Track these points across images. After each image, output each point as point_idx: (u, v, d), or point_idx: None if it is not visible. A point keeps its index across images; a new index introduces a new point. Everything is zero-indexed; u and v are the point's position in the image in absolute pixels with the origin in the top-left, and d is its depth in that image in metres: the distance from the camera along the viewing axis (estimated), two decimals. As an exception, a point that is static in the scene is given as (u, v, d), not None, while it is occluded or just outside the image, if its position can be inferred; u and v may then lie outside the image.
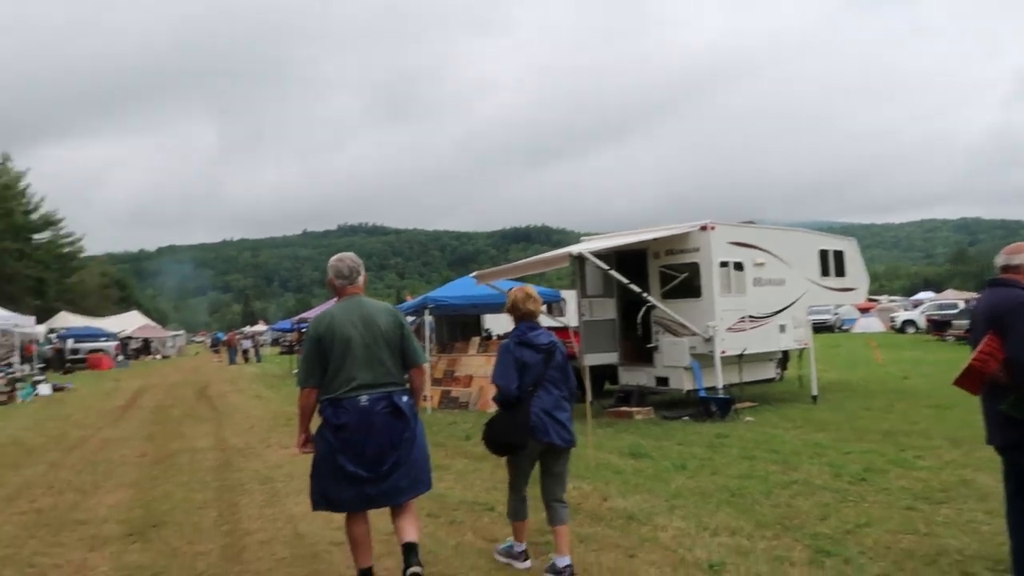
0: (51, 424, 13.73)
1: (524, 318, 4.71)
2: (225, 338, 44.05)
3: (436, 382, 14.33)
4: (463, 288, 16.09)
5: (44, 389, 21.62)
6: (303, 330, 31.47)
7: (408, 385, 4.28)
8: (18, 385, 19.89)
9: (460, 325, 17.63)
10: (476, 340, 14.69)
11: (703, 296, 11.79)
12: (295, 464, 8.48)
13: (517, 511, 4.64)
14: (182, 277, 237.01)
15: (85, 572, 4.86)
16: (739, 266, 12.27)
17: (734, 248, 12.25)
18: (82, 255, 69.95)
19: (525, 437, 4.39)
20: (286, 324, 59.22)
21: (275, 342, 61.31)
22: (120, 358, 41.21)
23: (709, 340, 11.51)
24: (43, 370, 27.58)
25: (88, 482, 7.82)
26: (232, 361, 39.44)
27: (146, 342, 52.45)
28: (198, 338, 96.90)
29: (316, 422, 4.26)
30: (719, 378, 11.42)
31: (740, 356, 11.98)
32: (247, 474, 8.02)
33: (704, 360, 11.58)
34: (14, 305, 34.74)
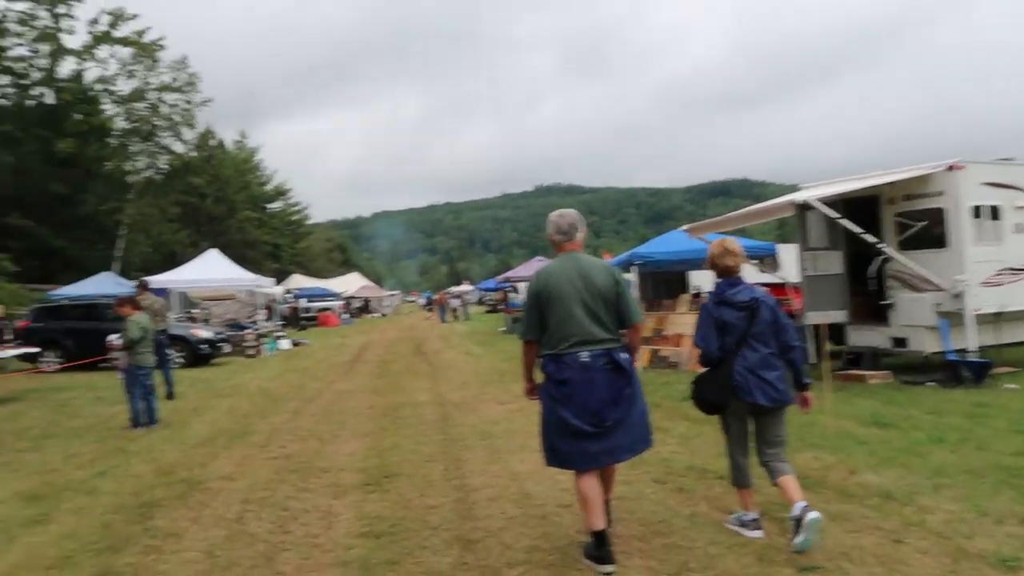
0: (291, 376, 15.08)
1: (723, 274, 4.60)
2: (436, 297, 46.37)
3: (645, 341, 13.97)
4: (669, 244, 15.51)
5: (284, 344, 23.94)
6: (507, 289, 32.37)
7: (625, 342, 4.26)
8: (263, 340, 22.15)
9: (665, 282, 17.06)
10: (686, 298, 14.11)
11: (950, 246, 10.38)
12: (511, 420, 8.58)
13: (736, 477, 4.55)
14: (394, 240, 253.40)
15: (331, 519, 5.12)
16: (995, 211, 10.67)
17: (989, 190, 10.65)
18: (308, 222, 76.79)
19: (727, 396, 4.37)
20: (491, 283, 61.57)
21: (480, 301, 63.88)
22: (345, 316, 44.87)
23: (958, 296, 10.14)
24: (282, 327, 30.62)
25: (326, 431, 8.39)
26: (443, 319, 41.54)
27: (366, 301, 56.67)
28: (410, 298, 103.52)
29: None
30: (972, 339, 10.05)
31: (998, 314, 10.46)
32: (466, 429, 8.21)
33: (952, 319, 10.23)
34: (255, 268, 38.85)
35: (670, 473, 5.89)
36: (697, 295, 14.23)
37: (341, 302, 46.72)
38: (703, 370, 4.57)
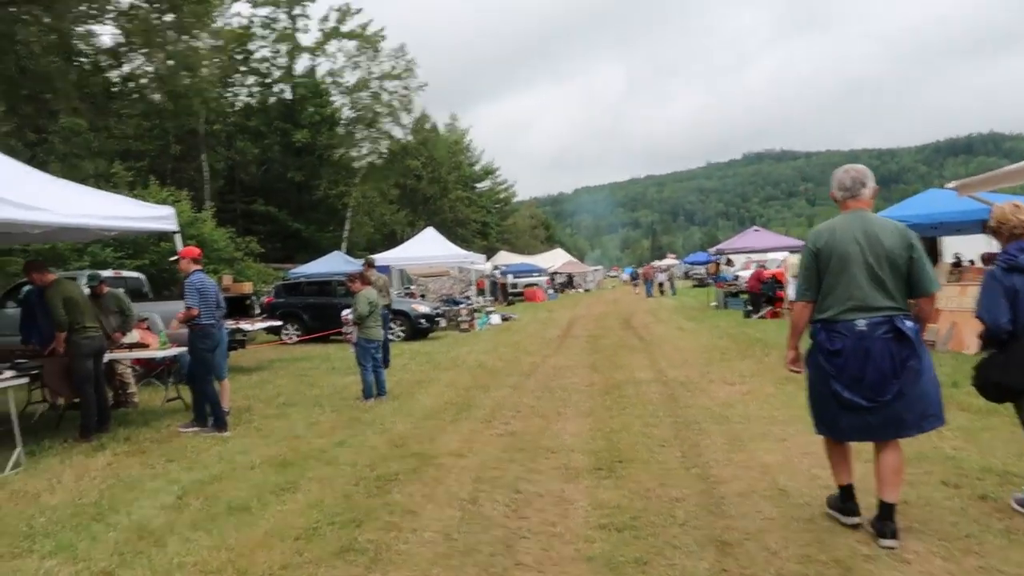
0: (505, 350, 15.20)
1: (1015, 237, 4.14)
2: (641, 271, 45.48)
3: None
4: (919, 206, 13.65)
5: (495, 319, 24.46)
6: (718, 261, 30.82)
7: (915, 312, 3.95)
8: (475, 315, 22.75)
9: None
10: (945, 266, 12.34)
11: None
12: (747, 404, 7.82)
13: None
14: (596, 215, 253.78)
15: (565, 505, 4.79)
16: None
17: None
18: (514, 200, 78.65)
19: None
20: (699, 256, 59.44)
21: (686, 275, 61.97)
22: (550, 291, 45.38)
23: None
24: (492, 302, 31.44)
25: (549, 408, 8.15)
26: (649, 293, 40.66)
27: (569, 276, 57.00)
28: (612, 272, 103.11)
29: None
30: None
31: None
32: (697, 411, 7.59)
33: None
34: (466, 245, 40.35)
35: (962, 475, 4.92)
36: (958, 264, 12.40)
37: (546, 277, 47.28)
38: (972, 351, 4.24)
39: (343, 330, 9.46)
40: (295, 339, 18.72)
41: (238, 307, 13.66)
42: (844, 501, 4.07)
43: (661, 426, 6.98)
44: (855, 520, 4.00)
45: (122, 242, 21.59)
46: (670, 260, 69.73)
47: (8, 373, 6.46)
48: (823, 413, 4.02)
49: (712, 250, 29.07)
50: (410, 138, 43.73)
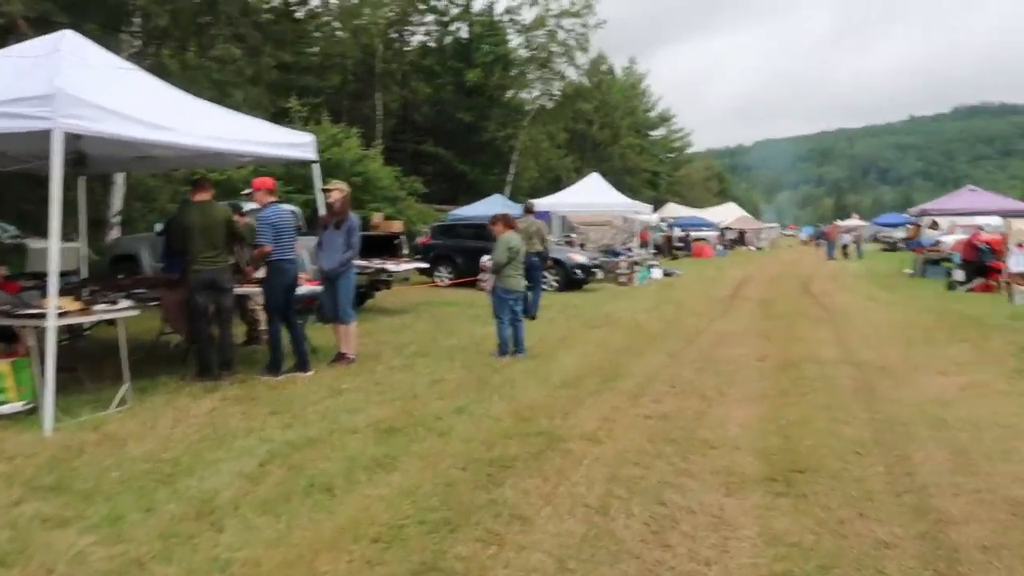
0: (666, 308, 13.83)
1: None
2: (826, 231, 41.63)
3: None
4: None
5: (656, 273, 22.94)
6: (918, 223, 27.20)
7: None
8: (636, 268, 21.36)
9: None
10: None
11: None
12: (970, 403, 6.11)
13: None
14: (776, 170, 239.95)
15: (725, 532, 3.59)
16: None
17: None
18: (688, 150, 75.02)
19: None
20: (891, 218, 53.82)
21: (875, 238, 56.47)
22: (720, 248, 42.71)
23: None
24: (655, 255, 29.77)
25: (710, 386, 6.84)
26: (830, 256, 37.12)
27: (741, 233, 53.55)
28: (788, 231, 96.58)
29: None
30: None
31: None
32: (905, 408, 5.99)
33: None
34: (633, 195, 38.55)
35: None
36: None
37: (716, 233, 44.53)
38: None
39: (479, 277, 8.53)
40: (447, 282, 18.31)
41: (385, 246, 13.22)
42: None
43: (854, 424, 5.50)
44: None
45: (293, 176, 22.16)
46: (855, 221, 63.84)
47: (122, 303, 6.11)
48: None
49: (915, 210, 25.60)
50: (584, 80, 42.14)
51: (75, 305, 5.87)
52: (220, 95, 11.07)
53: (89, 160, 8.43)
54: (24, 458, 4.47)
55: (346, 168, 23.09)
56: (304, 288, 7.98)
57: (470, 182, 38.09)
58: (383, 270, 12.25)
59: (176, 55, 12.17)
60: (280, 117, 26.71)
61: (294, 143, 7.82)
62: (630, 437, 5.11)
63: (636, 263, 21.98)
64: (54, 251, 5.18)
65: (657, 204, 47.32)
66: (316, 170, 8.12)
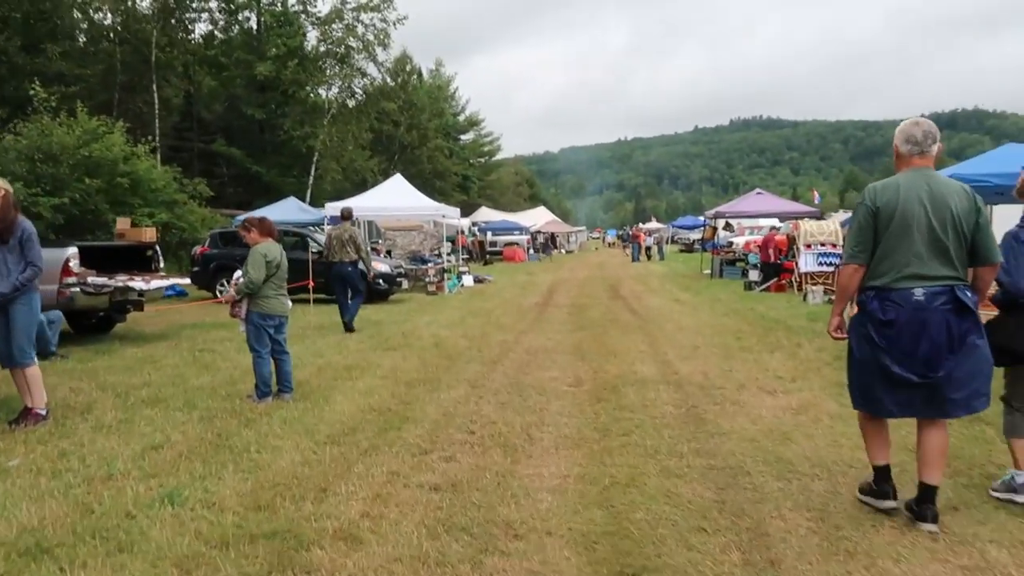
0: (472, 321, 12.60)
1: None
2: (634, 233, 42.80)
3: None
4: (989, 164, 11.11)
5: (467, 280, 21.84)
6: (711, 226, 28.30)
7: (972, 282, 3.63)
8: (446, 276, 20.10)
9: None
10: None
11: None
12: (809, 434, 5.27)
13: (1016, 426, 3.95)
14: (580, 176, 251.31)
15: None
16: None
17: None
18: (498, 155, 75.44)
19: None
20: (689, 220, 56.94)
21: (673, 239, 59.64)
22: (531, 252, 42.72)
23: None
24: (466, 261, 28.77)
25: (517, 428, 5.54)
26: (635, 258, 38.18)
27: (552, 237, 54.34)
28: (595, 234, 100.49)
29: None
30: None
31: None
32: (739, 444, 5.03)
33: None
34: (443, 199, 37.43)
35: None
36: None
37: (527, 237, 44.58)
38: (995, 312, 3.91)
39: (221, 298, 6.73)
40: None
41: (135, 259, 10.87)
42: (879, 484, 3.81)
43: (690, 477, 4.40)
44: (891, 504, 3.75)
45: (39, 176, 18.63)
46: (654, 224, 67.27)
47: None
48: (867, 388, 3.76)
49: (709, 213, 26.45)
50: (387, 79, 40.42)
51: None
52: None
53: None
54: None
55: (108, 167, 19.92)
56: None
57: (267, 185, 35.10)
58: (128, 288, 9.95)
59: None
60: (15, 106, 22.84)
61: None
62: (405, 529, 3.63)
63: (445, 270, 20.73)
64: None
65: (470, 209, 46.63)
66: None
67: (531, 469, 4.59)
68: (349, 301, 11.33)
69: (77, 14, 30.39)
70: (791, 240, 19.07)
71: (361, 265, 11.60)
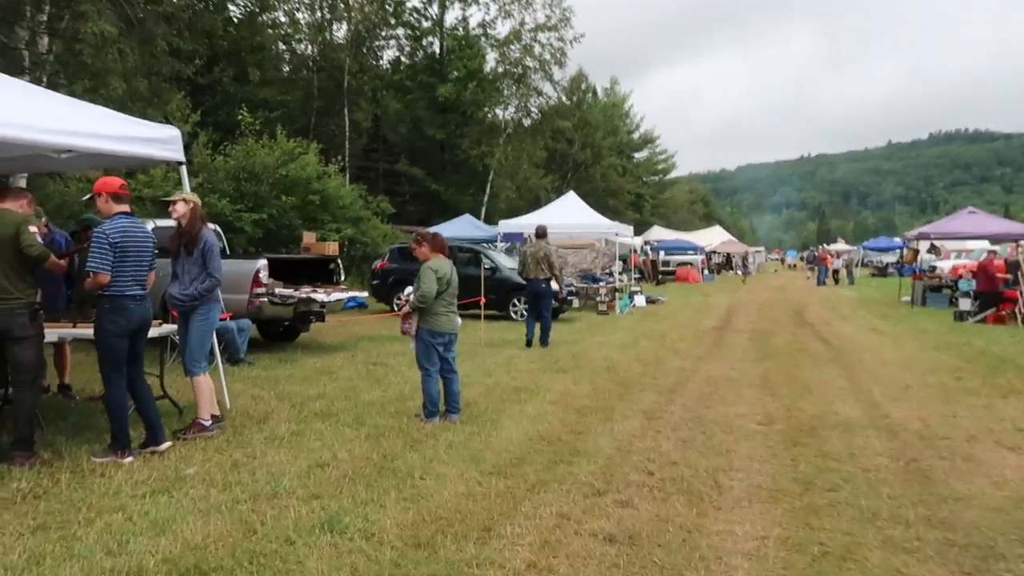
0: (646, 344, 11.95)
1: None
2: (820, 255, 39.96)
3: None
4: None
5: (639, 300, 21.13)
6: (912, 247, 25.64)
7: None
8: (617, 295, 19.53)
9: None
10: None
11: None
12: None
13: None
14: (759, 194, 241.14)
15: None
16: None
17: None
18: (672, 173, 73.82)
19: None
20: (882, 241, 52.43)
21: (863, 263, 55.15)
22: (706, 272, 41.06)
23: None
24: (638, 281, 28.01)
25: (702, 472, 4.92)
26: (821, 281, 35.52)
27: (728, 257, 52.05)
28: (773, 255, 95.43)
29: None
30: None
31: None
32: (988, 518, 4.09)
33: None
34: (616, 217, 36.85)
35: None
36: None
37: (702, 257, 42.88)
38: None
39: (397, 311, 6.61)
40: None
41: (319, 272, 11.28)
42: None
43: (923, 555, 3.59)
44: None
45: (243, 194, 20.22)
46: (841, 245, 62.61)
47: None
48: None
49: (911, 234, 23.96)
50: (563, 97, 40.59)
51: None
52: (96, 85, 9.19)
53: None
54: None
55: (302, 186, 21.28)
56: (165, 329, 6.02)
57: (444, 202, 36.26)
58: (310, 299, 10.29)
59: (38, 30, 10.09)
60: (226, 130, 24.98)
61: (151, 138, 5.86)
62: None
63: (617, 290, 20.16)
64: None
65: (643, 227, 45.72)
66: (184, 173, 6.20)
67: (721, 524, 3.97)
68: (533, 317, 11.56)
69: (281, 46, 33.12)
70: (1013, 265, 16.76)
71: (554, 283, 11.84)
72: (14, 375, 4.88)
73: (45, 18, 10.98)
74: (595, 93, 56.12)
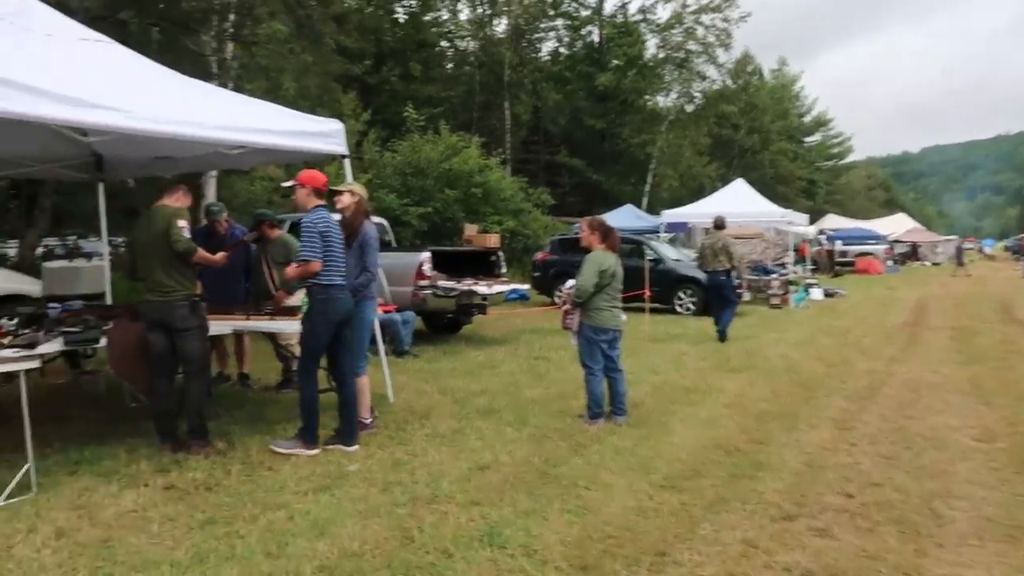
0: (827, 342, 10.92)
1: None
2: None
3: None
4: None
5: (816, 293, 19.62)
6: None
7: None
8: (791, 288, 18.22)
9: None
10: None
11: None
12: None
13: None
14: (947, 178, 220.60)
15: None
16: None
17: None
18: (848, 157, 68.86)
19: None
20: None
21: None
22: (889, 263, 37.75)
23: None
24: (812, 272, 26.13)
25: (913, 496, 4.21)
26: (1029, 273, 31.59)
27: (913, 247, 47.64)
28: (967, 244, 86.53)
29: None
30: None
31: None
32: None
33: None
34: (787, 205, 34.68)
35: None
36: None
37: (885, 246, 39.44)
38: None
39: (557, 303, 6.26)
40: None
41: (479, 263, 11.23)
42: None
43: None
44: None
45: (409, 188, 20.83)
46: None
47: (43, 347, 4.40)
48: None
49: None
50: (727, 81, 38.73)
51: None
52: (272, 86, 9.59)
53: (106, 163, 7.05)
54: None
55: (464, 179, 21.63)
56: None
57: (605, 193, 35.73)
58: (472, 292, 10.25)
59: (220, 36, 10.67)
60: (393, 127, 25.85)
61: (316, 132, 5.90)
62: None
63: (791, 282, 18.82)
64: None
65: (815, 215, 42.82)
66: (347, 167, 6.21)
67: (946, 567, 3.31)
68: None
69: (444, 43, 33.93)
70: None
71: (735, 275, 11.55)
72: (184, 366, 5.03)
73: (231, 27, 11.70)
74: (762, 75, 53.26)
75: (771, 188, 42.87)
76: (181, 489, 4.29)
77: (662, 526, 3.74)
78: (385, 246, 11.55)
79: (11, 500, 4.02)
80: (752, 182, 28.41)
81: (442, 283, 10.05)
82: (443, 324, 11.75)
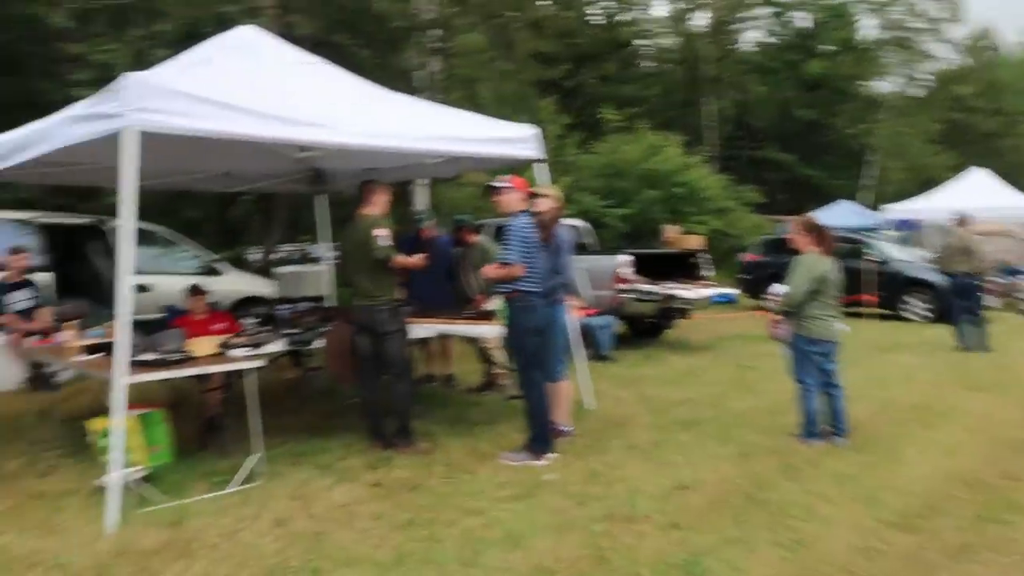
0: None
1: None
2: None
3: None
4: None
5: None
6: None
7: None
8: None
9: None
10: None
11: None
12: None
13: None
14: None
15: None
16: None
17: None
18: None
19: None
20: None
21: None
22: None
23: None
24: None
25: None
26: None
27: None
28: None
29: None
30: None
31: None
32: None
33: None
34: (1037, 196, 30.32)
35: None
36: None
37: None
38: None
39: (769, 309, 5.75)
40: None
41: (681, 266, 10.81)
42: None
43: None
44: None
45: (611, 189, 20.71)
46: None
47: (268, 346, 4.78)
48: None
49: None
50: (960, 59, 34.69)
51: (209, 348, 4.72)
52: (470, 95, 9.85)
53: (325, 176, 7.60)
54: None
55: (666, 178, 21.16)
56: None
57: (816, 188, 33.35)
58: (672, 296, 9.88)
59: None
60: (591, 128, 25.80)
61: (510, 137, 5.94)
62: None
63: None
64: (124, 289, 3.93)
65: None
66: (543, 171, 6.17)
67: None
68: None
69: (640, 41, 33.43)
70: None
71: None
72: (388, 369, 5.22)
73: (435, 42, 12.26)
74: (999, 49, 46.92)
75: (1018, 178, 37.75)
76: (387, 487, 4.44)
77: (891, 572, 3.27)
78: (581, 249, 11.52)
79: (243, 487, 4.37)
80: (995, 171, 25.15)
81: (642, 287, 9.80)
82: (644, 328, 11.46)
